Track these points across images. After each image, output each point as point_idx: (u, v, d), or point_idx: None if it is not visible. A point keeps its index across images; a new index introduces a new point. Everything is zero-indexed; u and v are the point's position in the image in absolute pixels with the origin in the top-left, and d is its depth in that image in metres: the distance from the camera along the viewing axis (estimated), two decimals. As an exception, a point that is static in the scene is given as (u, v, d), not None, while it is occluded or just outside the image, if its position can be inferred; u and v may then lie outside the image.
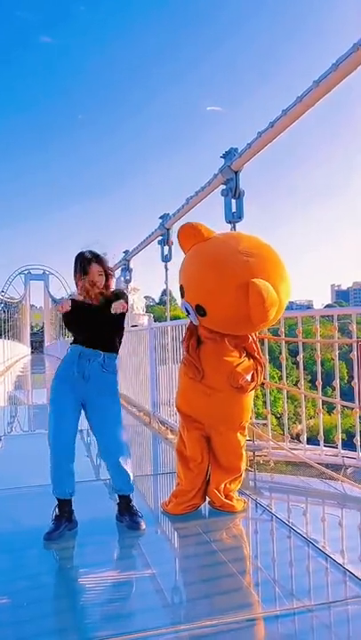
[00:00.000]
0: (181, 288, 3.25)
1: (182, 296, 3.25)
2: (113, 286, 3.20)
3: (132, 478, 3.13)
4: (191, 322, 3.26)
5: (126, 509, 3.14)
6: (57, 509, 3.03)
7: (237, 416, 3.26)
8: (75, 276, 3.10)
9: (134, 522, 3.08)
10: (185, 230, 3.29)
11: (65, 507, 3.04)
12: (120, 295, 3.12)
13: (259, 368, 3.26)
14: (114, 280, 3.22)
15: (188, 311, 3.16)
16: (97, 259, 3.09)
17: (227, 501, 3.31)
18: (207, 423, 3.25)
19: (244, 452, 3.41)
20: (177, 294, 3.46)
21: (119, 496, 3.17)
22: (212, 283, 3.00)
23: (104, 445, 3.11)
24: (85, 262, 3.07)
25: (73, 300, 3.06)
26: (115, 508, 3.21)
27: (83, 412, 3.10)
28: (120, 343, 3.20)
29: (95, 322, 3.06)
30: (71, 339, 3.26)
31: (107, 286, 3.11)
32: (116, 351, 3.17)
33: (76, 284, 3.11)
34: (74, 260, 3.11)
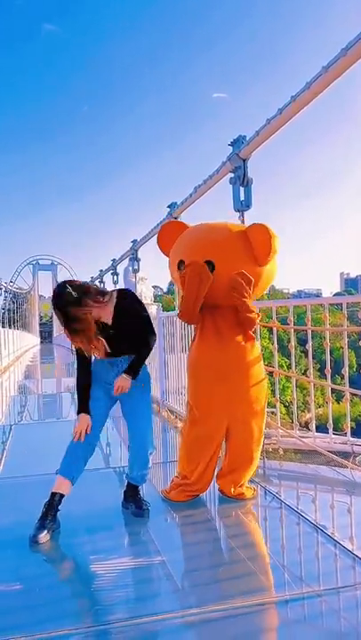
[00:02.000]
0: (181, 263, 3.25)
1: (180, 269, 3.25)
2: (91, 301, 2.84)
3: (148, 470, 3.16)
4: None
5: (132, 497, 3.18)
6: (46, 506, 2.91)
7: (256, 397, 3.26)
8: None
9: (140, 509, 3.11)
10: (168, 225, 3.54)
11: (56, 502, 2.92)
12: (125, 306, 2.98)
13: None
14: (88, 296, 2.82)
15: None
16: (75, 303, 2.75)
17: (237, 489, 3.33)
18: (227, 413, 3.24)
19: (262, 443, 3.42)
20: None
21: (129, 483, 3.20)
22: (215, 236, 3.23)
23: (134, 435, 3.13)
24: (68, 319, 2.78)
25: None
26: (122, 496, 3.24)
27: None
28: (149, 336, 3.06)
29: (112, 340, 3.00)
30: None
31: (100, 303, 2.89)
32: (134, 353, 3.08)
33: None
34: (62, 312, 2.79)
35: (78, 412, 3.02)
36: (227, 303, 3.21)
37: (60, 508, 2.93)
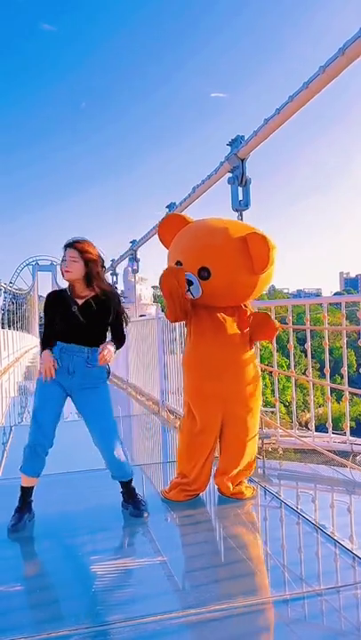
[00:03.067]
0: (178, 264, 3.24)
1: None
2: (104, 276, 3.07)
3: (127, 463, 3.10)
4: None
5: (130, 497, 3.16)
6: (20, 500, 3.03)
7: (246, 392, 3.27)
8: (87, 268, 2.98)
9: (137, 509, 3.10)
10: (170, 218, 3.49)
11: (28, 495, 3.04)
12: (109, 297, 3.01)
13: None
14: (103, 271, 3.07)
15: (189, 282, 3.14)
16: (72, 244, 2.95)
17: (236, 489, 3.34)
18: (220, 408, 3.25)
19: (256, 440, 3.42)
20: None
21: (121, 483, 3.18)
22: (212, 240, 3.16)
23: (96, 434, 3.05)
24: (64, 249, 2.97)
25: (58, 292, 3.03)
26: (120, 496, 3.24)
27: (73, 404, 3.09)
28: (104, 337, 3.08)
29: (76, 320, 2.96)
30: None
31: (91, 276, 2.95)
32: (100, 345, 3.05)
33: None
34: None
35: (41, 353, 2.99)
36: (222, 305, 3.22)
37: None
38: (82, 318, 2.95)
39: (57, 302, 3.02)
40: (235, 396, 3.24)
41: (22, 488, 3.06)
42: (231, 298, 3.26)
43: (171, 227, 3.42)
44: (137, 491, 3.21)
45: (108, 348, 2.93)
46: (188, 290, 3.16)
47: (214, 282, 3.11)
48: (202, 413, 3.27)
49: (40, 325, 68.49)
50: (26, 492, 3.05)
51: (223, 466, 3.36)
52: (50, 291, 3.16)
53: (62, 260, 2.98)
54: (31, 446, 2.98)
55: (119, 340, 3.10)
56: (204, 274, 3.11)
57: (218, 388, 3.21)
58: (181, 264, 3.20)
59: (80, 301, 2.98)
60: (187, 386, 3.40)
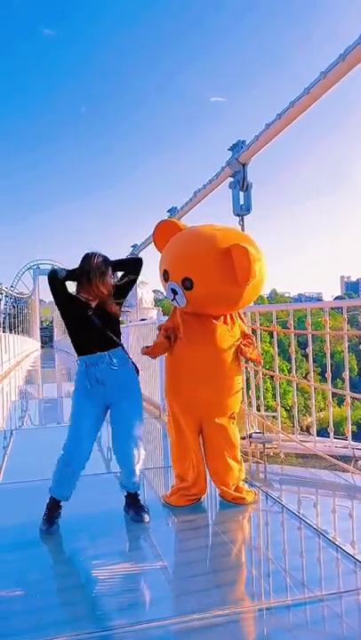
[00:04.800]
0: (165, 273, 3.27)
1: (166, 280, 3.27)
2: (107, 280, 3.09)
3: (137, 479, 3.13)
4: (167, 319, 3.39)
5: (133, 503, 3.18)
6: (48, 509, 3.04)
7: (228, 401, 3.27)
8: (104, 276, 2.98)
9: (138, 515, 3.11)
10: (163, 225, 3.47)
11: (58, 508, 3.06)
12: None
13: (249, 340, 3.37)
14: (108, 273, 3.07)
15: (174, 292, 3.16)
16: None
17: (237, 494, 3.33)
18: (200, 413, 3.26)
19: (237, 442, 3.40)
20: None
21: (127, 492, 3.21)
22: (196, 251, 3.14)
23: (118, 444, 3.10)
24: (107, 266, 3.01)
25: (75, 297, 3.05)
26: (123, 500, 3.24)
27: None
28: (119, 333, 3.16)
29: (92, 321, 3.01)
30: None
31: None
32: (118, 344, 3.10)
33: (100, 285, 2.98)
34: (102, 259, 2.99)
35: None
36: (210, 313, 3.23)
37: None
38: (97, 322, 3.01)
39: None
40: (217, 405, 3.25)
41: (52, 499, 3.07)
42: (215, 307, 3.24)
43: (164, 233, 3.42)
44: (138, 494, 3.21)
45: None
46: (174, 299, 3.19)
47: (197, 292, 3.10)
48: (185, 413, 3.30)
49: (41, 329, 68.68)
50: (56, 504, 3.07)
51: (210, 471, 3.36)
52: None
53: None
54: (63, 473, 3.01)
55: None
56: (187, 284, 3.10)
57: (202, 393, 3.22)
58: (168, 273, 3.23)
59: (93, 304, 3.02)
60: (170, 386, 3.40)
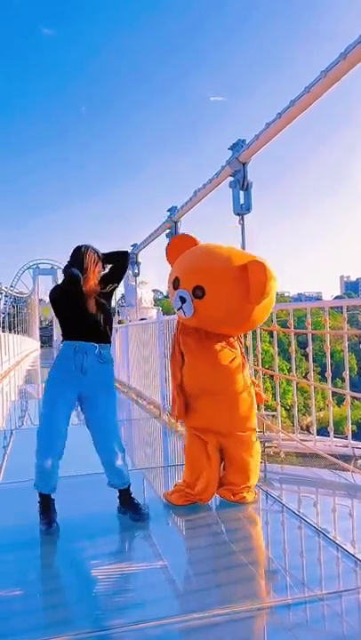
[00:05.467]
0: (176, 281, 3.23)
1: (175, 288, 3.23)
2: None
3: (126, 472, 3.12)
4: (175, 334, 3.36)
5: (127, 502, 3.15)
6: (42, 505, 3.03)
7: (246, 418, 3.26)
8: (95, 265, 3.08)
9: (138, 514, 3.09)
10: (179, 238, 3.49)
11: (49, 500, 3.04)
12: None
13: (245, 363, 3.32)
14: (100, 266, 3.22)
15: (182, 300, 3.12)
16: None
17: (238, 494, 3.32)
18: (222, 431, 3.24)
19: (257, 456, 3.38)
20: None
21: (118, 490, 3.18)
22: (212, 262, 3.15)
23: (99, 441, 3.07)
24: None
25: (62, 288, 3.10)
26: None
27: (78, 404, 3.10)
28: (111, 331, 3.19)
29: (90, 311, 3.03)
30: None
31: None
32: (110, 342, 3.16)
33: (90, 275, 3.06)
34: (92, 250, 3.10)
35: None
36: (213, 330, 3.20)
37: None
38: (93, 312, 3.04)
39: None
40: (231, 421, 3.23)
41: (41, 495, 3.05)
42: (221, 324, 3.20)
43: (180, 247, 3.40)
44: (139, 495, 3.20)
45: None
46: (181, 308, 3.14)
47: (207, 302, 3.06)
48: (201, 433, 3.28)
49: (40, 329, 68.68)
50: (47, 500, 3.06)
51: (228, 480, 3.35)
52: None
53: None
54: (42, 463, 2.98)
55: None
56: (198, 293, 3.06)
57: (215, 412, 3.21)
58: (179, 281, 3.20)
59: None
60: (180, 409, 3.36)
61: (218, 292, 3.06)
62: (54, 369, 3.10)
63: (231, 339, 3.29)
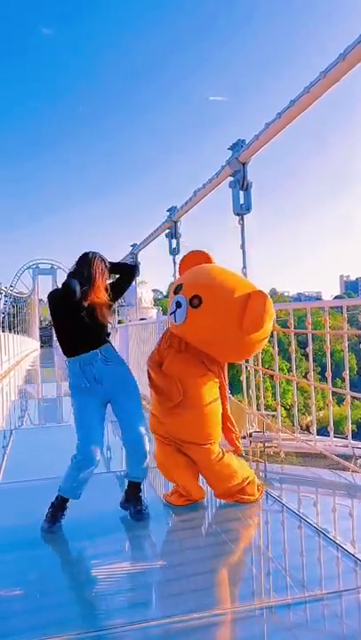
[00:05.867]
0: (179, 286, 3.22)
1: (175, 293, 3.22)
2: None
3: (145, 465, 3.13)
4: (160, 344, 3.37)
5: (134, 497, 3.15)
6: (54, 508, 3.01)
7: (207, 432, 3.20)
8: (102, 276, 3.05)
9: (139, 512, 3.10)
10: (194, 255, 3.45)
11: (64, 506, 3.03)
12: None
13: (223, 393, 3.28)
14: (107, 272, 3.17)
15: (178, 305, 3.11)
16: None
17: (237, 495, 3.31)
18: (182, 440, 3.23)
19: (235, 468, 3.25)
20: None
21: (130, 483, 3.18)
22: (220, 279, 3.14)
23: (127, 435, 3.11)
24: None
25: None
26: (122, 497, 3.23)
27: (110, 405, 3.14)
28: (107, 329, 3.16)
29: (84, 323, 3.00)
30: None
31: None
32: (107, 340, 3.13)
33: (98, 284, 3.02)
34: (100, 259, 3.06)
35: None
36: (199, 347, 3.16)
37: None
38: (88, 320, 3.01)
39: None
40: (189, 431, 3.20)
41: (62, 497, 3.04)
42: (207, 342, 3.15)
43: (193, 262, 3.40)
44: (141, 486, 3.20)
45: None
46: (174, 312, 3.13)
47: (201, 313, 3.04)
48: (163, 439, 3.31)
49: (40, 329, 68.68)
50: (65, 502, 3.05)
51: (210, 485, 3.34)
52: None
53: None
54: (78, 474, 2.97)
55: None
56: (195, 301, 3.04)
57: (172, 421, 3.21)
58: (182, 287, 3.18)
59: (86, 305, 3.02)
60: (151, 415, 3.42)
61: (214, 307, 3.04)
62: (73, 387, 3.11)
63: (213, 364, 3.22)
